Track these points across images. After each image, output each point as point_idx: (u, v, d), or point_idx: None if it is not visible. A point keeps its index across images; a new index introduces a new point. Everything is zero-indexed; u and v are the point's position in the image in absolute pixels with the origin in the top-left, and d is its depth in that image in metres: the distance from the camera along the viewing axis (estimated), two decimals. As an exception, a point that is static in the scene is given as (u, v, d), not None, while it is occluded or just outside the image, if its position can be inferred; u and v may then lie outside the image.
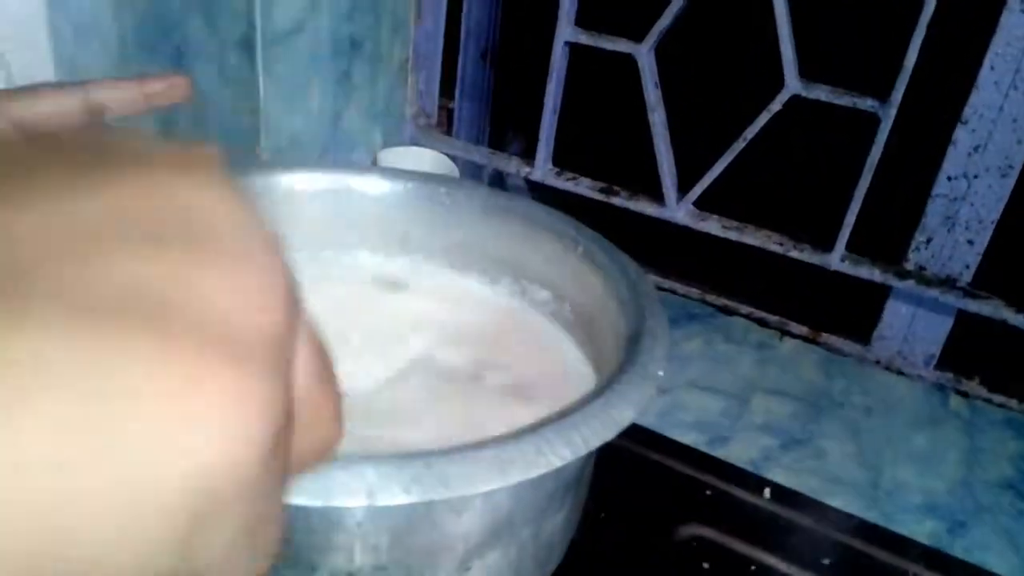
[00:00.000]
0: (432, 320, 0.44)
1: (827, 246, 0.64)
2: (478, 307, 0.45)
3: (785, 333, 0.69)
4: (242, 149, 0.61)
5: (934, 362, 0.66)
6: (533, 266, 0.44)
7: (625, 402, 0.29)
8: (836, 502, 0.50)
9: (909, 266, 0.63)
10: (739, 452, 0.54)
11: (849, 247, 0.63)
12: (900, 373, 0.67)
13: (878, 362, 0.67)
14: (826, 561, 0.45)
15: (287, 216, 0.44)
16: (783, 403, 0.60)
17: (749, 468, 0.52)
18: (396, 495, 0.23)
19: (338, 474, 0.23)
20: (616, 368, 0.32)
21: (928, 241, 0.63)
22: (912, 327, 0.66)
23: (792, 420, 0.59)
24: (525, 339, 0.43)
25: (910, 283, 0.62)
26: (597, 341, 0.40)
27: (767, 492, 0.49)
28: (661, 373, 0.31)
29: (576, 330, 0.42)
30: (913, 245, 0.63)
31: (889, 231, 0.64)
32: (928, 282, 0.62)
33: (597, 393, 0.29)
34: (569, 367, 0.40)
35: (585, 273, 0.41)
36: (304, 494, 0.23)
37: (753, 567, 0.44)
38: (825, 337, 0.69)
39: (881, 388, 0.65)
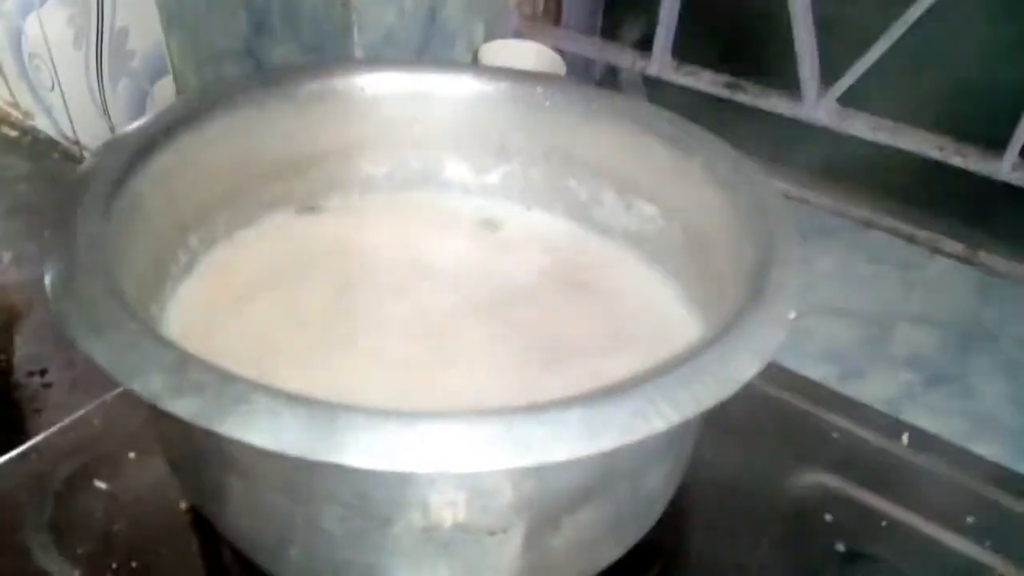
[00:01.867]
0: (514, 249, 0.40)
1: (996, 152, 0.54)
2: (567, 236, 0.41)
3: (936, 251, 0.60)
4: (334, 47, 0.57)
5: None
6: (641, 179, 0.39)
7: (747, 352, 0.24)
8: (985, 450, 0.43)
9: (1099, 175, 0.53)
10: (875, 389, 0.48)
11: (1022, 154, 0.53)
12: (1074, 300, 0.57)
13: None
14: (970, 519, 0.40)
15: (366, 121, 0.40)
16: (930, 333, 0.53)
17: (885, 408, 0.46)
18: (468, 461, 0.20)
19: (404, 434, 0.20)
20: (736, 308, 0.27)
21: None
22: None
23: (939, 353, 0.52)
24: (615, 274, 0.38)
25: (1099, 196, 0.52)
26: (710, 273, 0.35)
27: (905, 437, 0.43)
28: (792, 316, 0.26)
29: (683, 259, 0.37)
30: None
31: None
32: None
33: (712, 340, 0.24)
34: (669, 313, 0.36)
35: (702, 186, 0.35)
36: (366, 455, 0.20)
37: (884, 522, 0.39)
38: (983, 256, 0.60)
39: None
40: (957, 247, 0.61)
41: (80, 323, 0.22)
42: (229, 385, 0.21)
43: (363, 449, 0.20)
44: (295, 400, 0.20)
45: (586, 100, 0.39)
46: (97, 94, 0.86)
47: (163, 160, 0.32)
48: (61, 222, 0.27)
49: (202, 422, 0.20)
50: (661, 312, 0.36)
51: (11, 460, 0.37)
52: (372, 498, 0.24)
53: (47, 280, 0.24)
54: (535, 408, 0.21)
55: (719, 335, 0.25)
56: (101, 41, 0.79)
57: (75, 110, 0.93)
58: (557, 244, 0.41)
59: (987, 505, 0.40)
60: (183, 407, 0.20)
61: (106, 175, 0.29)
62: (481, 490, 0.24)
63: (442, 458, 0.20)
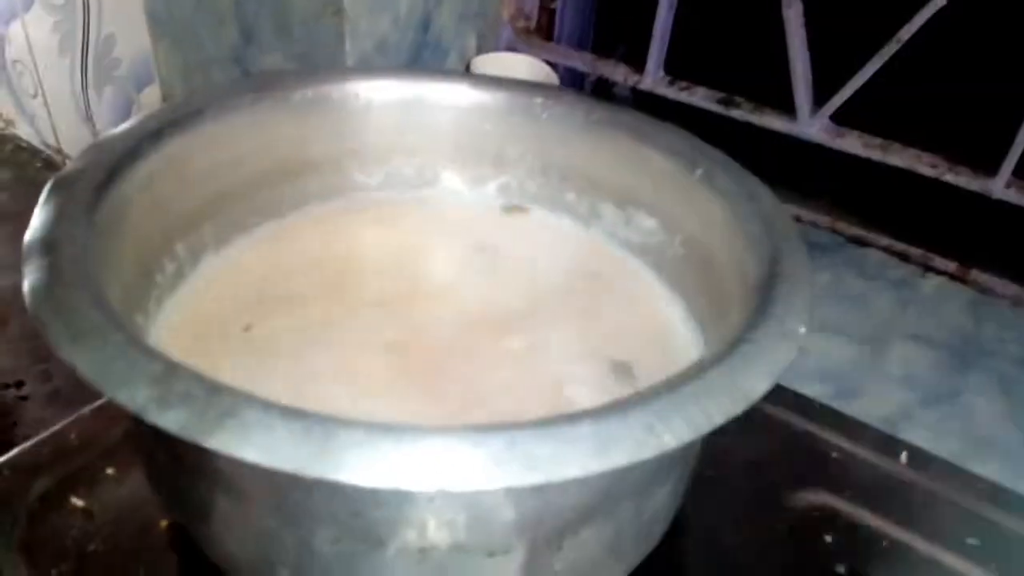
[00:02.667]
0: (509, 260, 0.39)
1: (989, 170, 0.54)
2: (566, 245, 0.40)
3: (928, 269, 0.60)
4: (325, 56, 0.57)
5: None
6: (640, 190, 0.38)
7: (758, 368, 0.23)
8: (983, 469, 0.43)
9: (1091, 195, 0.53)
10: (872, 407, 0.47)
11: (1015, 173, 0.54)
12: (1066, 320, 0.57)
13: (1040, 307, 0.58)
14: (972, 541, 0.39)
15: (360, 129, 0.39)
16: (925, 351, 0.53)
17: (883, 427, 0.45)
18: (471, 480, 0.19)
19: (404, 451, 0.19)
20: (743, 322, 0.26)
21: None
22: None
23: (934, 371, 0.51)
24: (616, 286, 0.37)
25: (1092, 216, 0.53)
26: (712, 286, 0.34)
27: (904, 456, 0.42)
28: (803, 330, 0.25)
29: (686, 273, 0.36)
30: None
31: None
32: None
33: (722, 355, 0.24)
34: (668, 325, 0.35)
35: (704, 200, 0.34)
36: (366, 472, 0.19)
37: (885, 543, 0.38)
38: (975, 275, 0.60)
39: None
40: (950, 265, 0.61)
41: (61, 331, 0.21)
42: (218, 397, 0.20)
43: (363, 466, 0.19)
44: (289, 413, 0.19)
45: (586, 111, 0.38)
46: (81, 102, 0.85)
47: (150, 164, 0.31)
48: (41, 227, 0.26)
49: (190, 436, 0.19)
50: (662, 327, 0.35)
51: (-17, 476, 0.36)
52: (367, 517, 0.23)
53: (25, 286, 0.23)
54: (541, 423, 0.20)
55: (728, 351, 0.24)
56: (87, 48, 0.78)
57: (58, 118, 0.91)
58: (554, 255, 0.40)
59: (989, 526, 0.39)
60: (170, 420, 0.19)
61: (90, 179, 0.28)
62: (482, 509, 0.23)
63: (446, 476, 0.19)
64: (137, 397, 0.20)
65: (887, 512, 0.39)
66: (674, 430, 0.21)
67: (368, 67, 0.41)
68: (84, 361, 0.20)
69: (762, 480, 0.40)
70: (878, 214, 0.63)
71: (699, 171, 0.35)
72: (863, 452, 0.42)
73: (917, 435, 0.45)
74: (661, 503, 0.28)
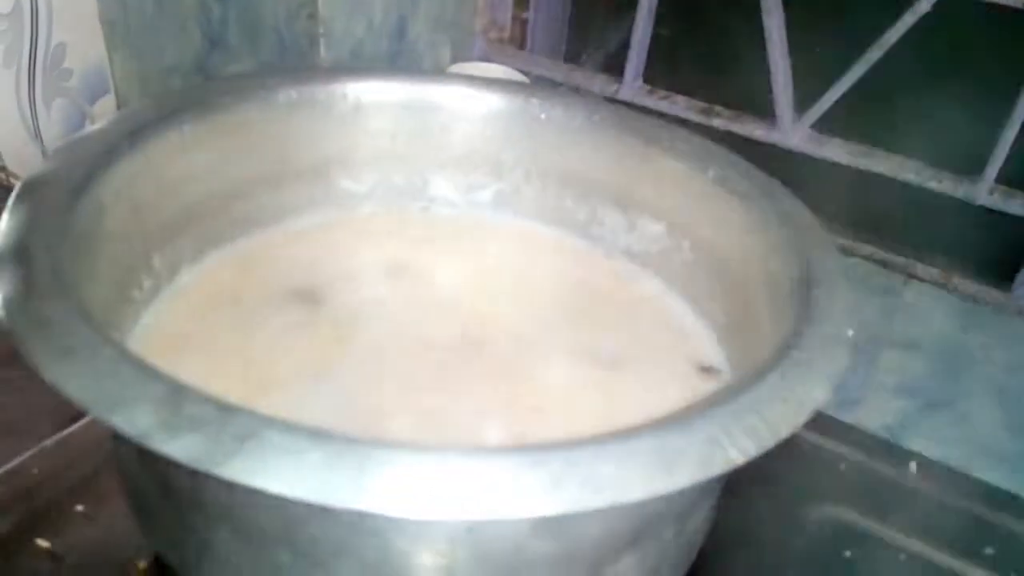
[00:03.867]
0: (507, 271, 0.37)
1: (972, 176, 0.54)
2: (566, 256, 0.38)
3: (911, 276, 0.60)
4: (297, 63, 0.54)
5: (1090, 312, 0.57)
6: (646, 194, 0.36)
7: (814, 375, 0.22)
8: (990, 477, 0.42)
9: (1071, 199, 0.54)
10: (872, 417, 0.46)
11: (999, 179, 0.54)
12: (1048, 325, 0.57)
13: (1020, 312, 0.58)
14: (989, 551, 0.38)
15: (348, 134, 0.37)
16: (915, 359, 0.52)
17: (886, 436, 0.44)
18: (533, 504, 0.17)
19: (454, 475, 0.17)
20: (785, 328, 0.24)
21: (1099, 170, 0.53)
22: (1066, 271, 0.57)
23: (928, 379, 0.51)
24: (620, 298, 0.36)
25: (1074, 220, 0.53)
26: (728, 292, 0.33)
27: (913, 466, 0.41)
28: (851, 334, 0.23)
29: (696, 279, 0.35)
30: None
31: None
32: (1094, 218, 0.53)
33: (772, 364, 0.22)
34: (683, 335, 0.33)
35: (718, 201, 0.33)
36: (414, 501, 0.16)
37: (903, 556, 0.37)
38: (958, 282, 0.60)
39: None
40: (932, 272, 0.60)
41: (44, 347, 0.18)
42: (233, 418, 0.17)
43: (408, 494, 0.16)
44: (318, 436, 0.17)
45: (587, 112, 0.37)
46: (28, 116, 0.80)
47: (127, 168, 0.28)
48: (10, 233, 0.23)
49: (205, 466, 0.16)
50: (673, 335, 0.34)
51: (-67, 517, 0.32)
52: (393, 550, 0.20)
53: (-2, 298, 0.20)
54: (596, 440, 0.18)
55: (778, 359, 0.22)
56: (34, 58, 0.74)
57: (3, 134, 0.86)
58: (553, 264, 0.38)
59: (1005, 536, 0.39)
60: (180, 448, 0.16)
61: (64, 182, 0.25)
62: (521, 537, 0.21)
63: (505, 502, 0.16)
64: (139, 421, 0.17)
65: (902, 524, 0.38)
66: (739, 444, 0.19)
67: (358, 67, 0.38)
68: (73, 380, 0.18)
69: (776, 496, 0.39)
70: (860, 223, 0.63)
71: (711, 172, 0.33)
72: (872, 463, 0.41)
73: (919, 443, 0.44)
74: (699, 525, 0.26)
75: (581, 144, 0.37)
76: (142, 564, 0.31)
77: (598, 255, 0.38)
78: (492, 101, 0.38)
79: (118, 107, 0.67)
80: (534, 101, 0.38)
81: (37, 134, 0.81)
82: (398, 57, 0.60)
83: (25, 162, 0.87)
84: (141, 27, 0.61)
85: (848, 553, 0.37)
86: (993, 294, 0.59)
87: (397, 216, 0.40)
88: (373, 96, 0.37)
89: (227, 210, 0.35)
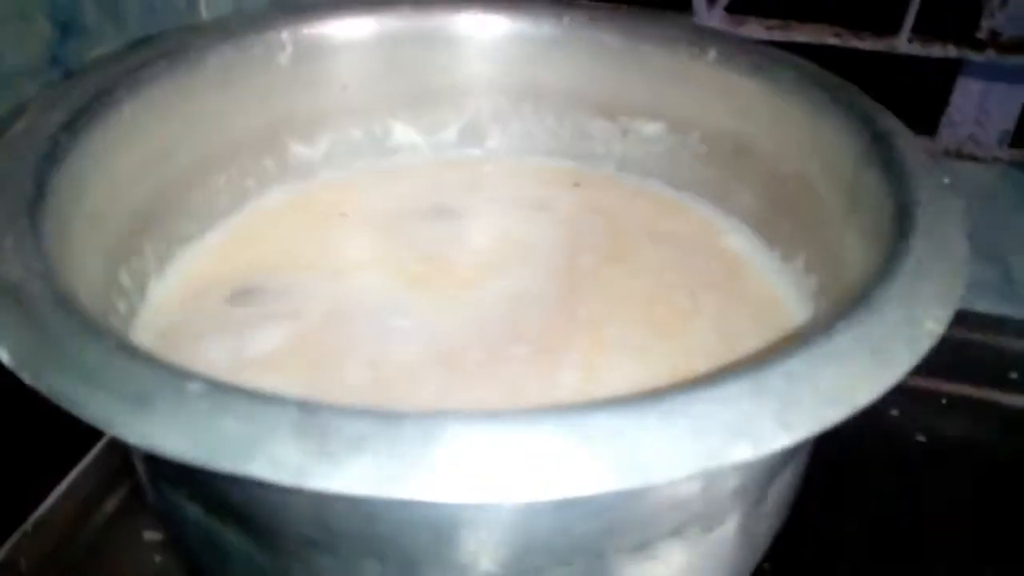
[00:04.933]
0: (487, 231, 0.33)
1: (891, 30, 0.55)
2: (553, 183, 0.35)
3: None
4: (174, 22, 0.47)
5: (1008, 139, 0.60)
6: (637, 94, 0.34)
7: (930, 298, 0.19)
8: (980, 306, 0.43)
9: (982, 35, 0.55)
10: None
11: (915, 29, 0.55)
12: (973, 159, 0.60)
13: (947, 152, 0.60)
14: (1013, 375, 0.40)
15: (293, 88, 0.32)
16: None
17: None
18: (580, 481, 0.14)
19: (474, 443, 0.14)
20: (882, 257, 0.21)
21: (1003, 2, 0.54)
22: (984, 104, 0.59)
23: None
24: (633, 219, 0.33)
25: (989, 53, 0.55)
26: (759, 178, 0.31)
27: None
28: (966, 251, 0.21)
29: (709, 170, 0.32)
30: (986, 11, 0.55)
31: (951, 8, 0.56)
32: (1005, 48, 0.55)
33: (881, 279, 0.19)
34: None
35: (729, 83, 0.30)
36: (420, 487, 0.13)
37: (943, 400, 0.38)
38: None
39: (956, 178, 0.58)
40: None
41: (112, 398, 0.14)
42: (404, 423, 0.14)
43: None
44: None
45: (554, 17, 0.33)
46: None
47: (74, 168, 0.23)
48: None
49: (388, 492, 0.13)
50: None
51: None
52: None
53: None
54: (643, 401, 0.15)
55: (884, 273, 0.20)
56: None
57: None
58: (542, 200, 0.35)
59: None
60: (355, 478, 0.13)
61: (17, 187, 0.20)
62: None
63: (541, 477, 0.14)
64: (288, 460, 0.13)
65: (932, 372, 0.39)
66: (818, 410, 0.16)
67: (299, 9, 0.32)
68: (171, 438, 0.13)
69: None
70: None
71: (711, 53, 0.31)
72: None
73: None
74: (786, 493, 0.24)
75: (553, 55, 0.34)
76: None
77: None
78: (446, 22, 0.34)
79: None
80: (492, 16, 0.34)
81: None
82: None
83: None
84: (-32, 25, 0.51)
85: (895, 412, 0.37)
86: (922, 141, 0.60)
87: (360, 176, 0.35)
88: (311, 40, 0.32)
89: (179, 202, 0.29)
